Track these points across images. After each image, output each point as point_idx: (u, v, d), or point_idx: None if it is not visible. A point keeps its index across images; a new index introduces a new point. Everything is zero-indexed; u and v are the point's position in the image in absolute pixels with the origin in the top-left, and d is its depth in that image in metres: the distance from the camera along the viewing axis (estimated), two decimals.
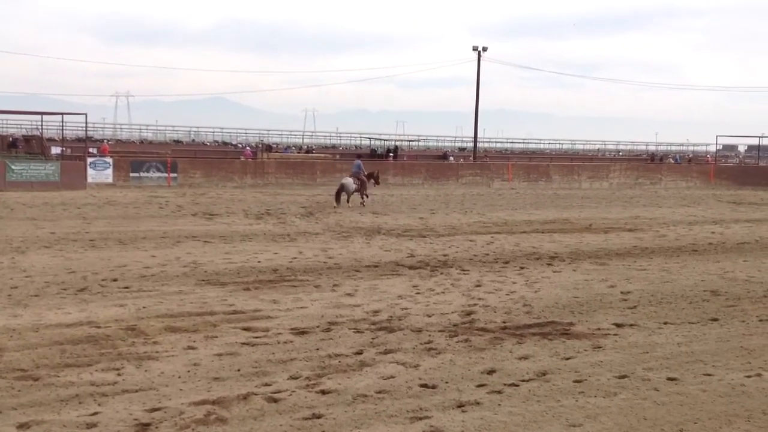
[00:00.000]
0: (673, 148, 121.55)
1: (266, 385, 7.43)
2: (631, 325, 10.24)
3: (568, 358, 8.61)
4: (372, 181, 28.58)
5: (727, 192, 41.35)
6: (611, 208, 28.80)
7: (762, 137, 59.43)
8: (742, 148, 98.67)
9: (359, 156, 32.56)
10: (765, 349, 9.15)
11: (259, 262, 14.63)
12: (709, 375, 8.08)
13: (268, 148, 62.37)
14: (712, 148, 67.94)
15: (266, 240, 17.88)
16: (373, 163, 45.01)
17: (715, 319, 10.66)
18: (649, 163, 61.79)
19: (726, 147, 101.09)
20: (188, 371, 7.81)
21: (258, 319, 10.03)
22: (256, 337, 9.16)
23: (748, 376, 8.05)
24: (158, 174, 36.12)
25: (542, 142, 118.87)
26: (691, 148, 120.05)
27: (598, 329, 9.96)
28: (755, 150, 63.56)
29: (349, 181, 26.72)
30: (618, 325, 10.18)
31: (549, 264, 15.30)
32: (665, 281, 13.55)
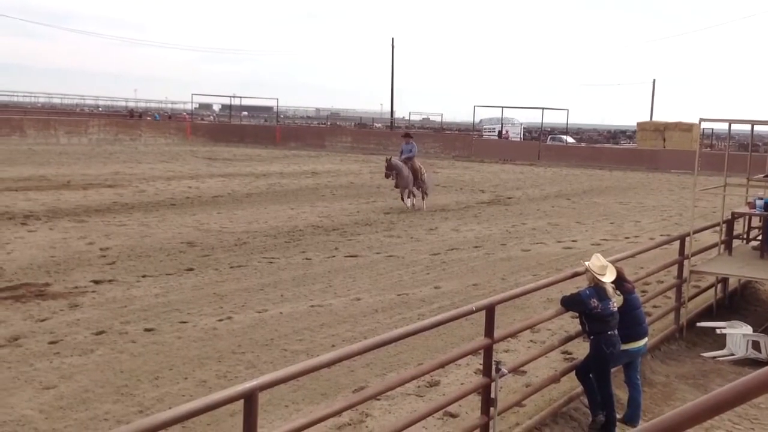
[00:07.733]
0: (153, 105, 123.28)
1: None
2: (110, 280, 10.23)
3: (43, 320, 8.27)
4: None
5: (204, 148, 43.34)
6: (91, 164, 28.11)
7: (233, 97, 63.76)
8: (216, 107, 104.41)
9: (407, 135, 22.08)
10: (235, 293, 9.91)
11: None
12: (185, 322, 8.48)
13: None
14: (189, 106, 70.49)
15: None
16: None
17: (191, 269, 11.20)
18: (129, 119, 61.64)
19: (202, 105, 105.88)
20: None
21: None
22: None
23: (220, 320, 8.66)
24: None
25: (15, 94, 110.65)
26: (169, 105, 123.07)
27: (76, 288, 9.74)
28: (228, 108, 67.59)
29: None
30: (96, 282, 10.09)
31: (23, 224, 14.43)
32: (144, 235, 13.77)
